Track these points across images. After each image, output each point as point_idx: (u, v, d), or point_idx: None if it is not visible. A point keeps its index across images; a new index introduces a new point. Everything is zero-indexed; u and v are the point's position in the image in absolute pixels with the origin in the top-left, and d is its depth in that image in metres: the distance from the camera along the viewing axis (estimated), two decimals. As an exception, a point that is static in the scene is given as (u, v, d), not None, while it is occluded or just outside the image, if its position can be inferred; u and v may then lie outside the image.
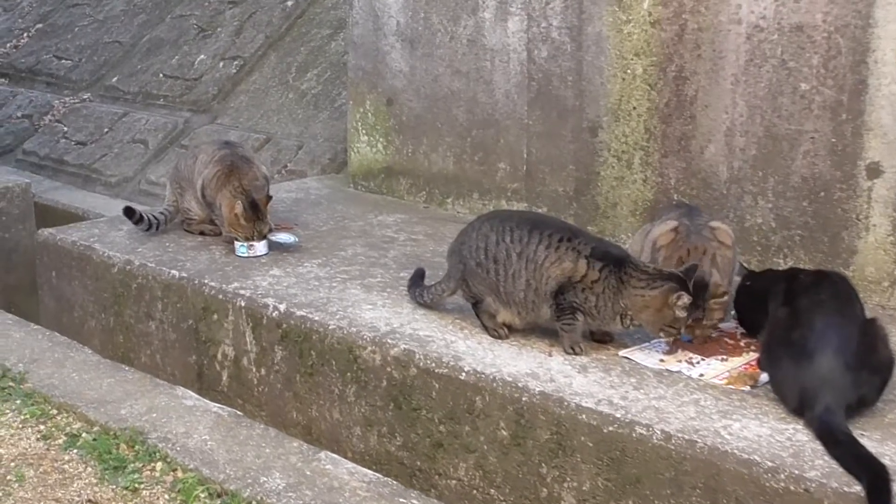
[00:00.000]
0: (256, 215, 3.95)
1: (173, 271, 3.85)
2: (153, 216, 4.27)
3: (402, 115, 4.92)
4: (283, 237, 4.05)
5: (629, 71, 4.04)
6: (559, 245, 3.07)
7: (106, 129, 6.94)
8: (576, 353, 3.07)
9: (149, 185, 6.20)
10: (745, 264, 3.43)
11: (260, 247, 3.98)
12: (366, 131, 5.07)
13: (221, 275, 3.78)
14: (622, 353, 3.09)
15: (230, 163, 4.11)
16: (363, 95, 5.05)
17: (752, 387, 2.86)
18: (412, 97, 4.86)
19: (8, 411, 3.20)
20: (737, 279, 3.25)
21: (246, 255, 3.97)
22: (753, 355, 3.05)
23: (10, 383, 3.35)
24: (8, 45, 8.55)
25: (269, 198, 4.01)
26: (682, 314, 2.96)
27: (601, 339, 3.16)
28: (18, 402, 3.25)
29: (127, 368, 3.46)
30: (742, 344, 3.16)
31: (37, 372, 3.42)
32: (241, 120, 6.37)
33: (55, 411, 3.19)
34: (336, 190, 5.14)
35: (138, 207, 4.35)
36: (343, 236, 4.28)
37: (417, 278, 3.54)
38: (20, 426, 3.13)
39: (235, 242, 3.99)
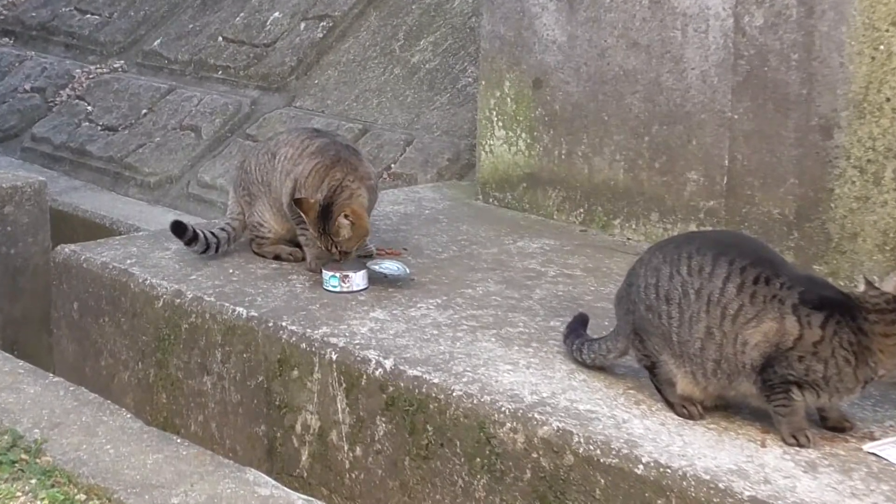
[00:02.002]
0: (324, 226, 3.97)
1: (239, 308, 3.93)
2: (211, 233, 4.36)
3: (554, 101, 4.95)
4: (388, 266, 4.11)
5: (882, 47, 4.00)
6: (755, 289, 3.05)
7: (144, 111, 7.13)
8: (800, 445, 3.04)
9: (201, 189, 6.34)
10: None
11: (357, 279, 4.05)
12: (503, 123, 5.12)
13: (305, 315, 3.85)
14: (867, 447, 3.05)
15: (334, 153, 4.17)
16: (500, 74, 5.10)
17: None
18: (569, 78, 4.89)
19: (20, 494, 3.27)
20: None
21: (338, 289, 4.04)
22: None
23: (23, 456, 3.43)
24: (16, -8, 8.84)
25: (347, 215, 3.97)
26: None
27: (837, 425, 3.13)
28: (34, 481, 3.31)
29: (179, 440, 3.52)
30: None
31: (58, 441, 3.49)
32: (328, 102, 6.48)
33: (83, 496, 3.24)
34: (459, 202, 5.20)
35: (190, 221, 4.44)
36: (470, 268, 4.33)
37: (577, 327, 3.56)
38: (35, 514, 3.22)
39: (324, 272, 4.06)
